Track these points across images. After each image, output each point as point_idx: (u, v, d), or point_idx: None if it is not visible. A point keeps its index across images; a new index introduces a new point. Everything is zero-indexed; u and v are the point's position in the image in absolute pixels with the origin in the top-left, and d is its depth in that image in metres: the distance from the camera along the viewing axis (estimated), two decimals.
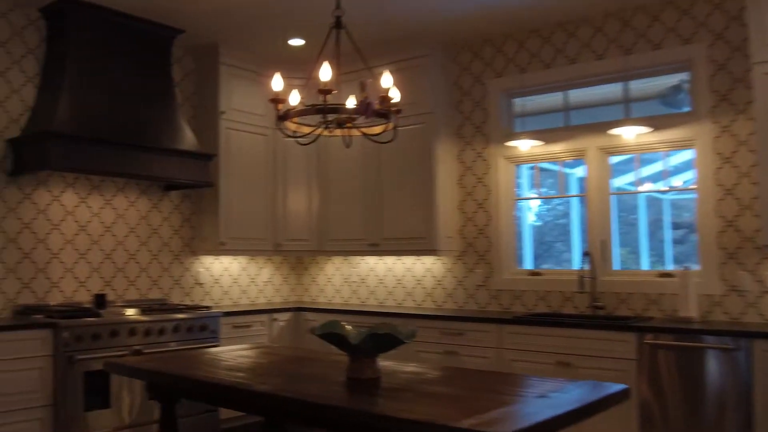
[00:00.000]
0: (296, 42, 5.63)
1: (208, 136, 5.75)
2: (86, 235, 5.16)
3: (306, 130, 3.23)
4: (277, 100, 3.10)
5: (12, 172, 4.76)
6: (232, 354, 3.53)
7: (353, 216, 5.94)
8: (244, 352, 3.60)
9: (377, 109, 3.04)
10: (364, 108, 2.94)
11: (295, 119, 3.26)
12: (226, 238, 5.72)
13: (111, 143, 4.74)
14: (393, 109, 3.16)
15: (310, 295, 6.69)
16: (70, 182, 5.09)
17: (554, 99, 5.41)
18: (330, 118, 3.12)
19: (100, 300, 4.93)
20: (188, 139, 5.32)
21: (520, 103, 5.55)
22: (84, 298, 5.08)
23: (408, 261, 5.97)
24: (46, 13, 4.95)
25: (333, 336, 2.76)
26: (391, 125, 3.23)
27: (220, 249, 5.70)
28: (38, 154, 4.54)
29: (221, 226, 5.69)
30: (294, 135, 3.25)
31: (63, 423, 4.25)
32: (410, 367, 3.08)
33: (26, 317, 4.53)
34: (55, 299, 4.94)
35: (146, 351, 4.62)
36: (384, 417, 2.18)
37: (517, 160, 5.46)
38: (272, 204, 6.09)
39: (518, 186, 5.55)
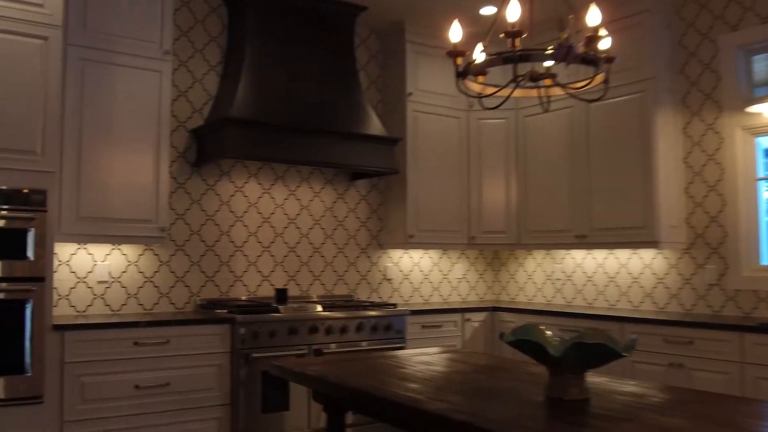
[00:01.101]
0: (488, 10, 5.04)
1: (395, 120, 5.34)
2: (270, 227, 4.95)
3: (493, 90, 2.63)
4: (456, 52, 2.53)
5: (195, 162, 4.65)
6: (413, 359, 3.03)
7: (557, 204, 5.21)
8: (428, 358, 3.08)
9: (581, 53, 2.37)
10: (564, 52, 2.28)
11: (480, 78, 2.68)
12: (414, 230, 5.27)
13: (291, 129, 4.46)
14: (602, 54, 2.46)
15: (508, 293, 6.05)
16: (253, 172, 4.90)
17: None
18: (521, 73, 2.49)
19: (281, 295, 4.68)
20: (372, 123, 4.92)
21: (763, 65, 4.51)
22: (268, 292, 4.86)
23: (622, 255, 5.14)
24: None
25: (527, 344, 2.15)
26: (600, 77, 2.54)
27: (408, 242, 5.26)
28: (217, 143, 4.37)
29: (409, 217, 5.25)
30: (479, 96, 2.67)
31: (241, 424, 4.00)
32: (629, 386, 2.38)
33: (208, 312, 4.36)
34: (238, 294, 4.77)
35: (326, 351, 4.27)
36: None
37: (761, 131, 4.44)
38: (466, 192, 5.54)
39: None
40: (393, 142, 4.97)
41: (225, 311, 4.23)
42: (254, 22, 4.66)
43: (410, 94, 5.29)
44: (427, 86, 5.36)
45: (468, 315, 5.17)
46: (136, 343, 3.78)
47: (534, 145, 5.41)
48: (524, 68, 2.51)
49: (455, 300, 5.87)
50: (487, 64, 2.49)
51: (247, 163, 4.86)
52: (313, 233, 5.15)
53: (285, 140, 4.45)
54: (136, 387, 3.75)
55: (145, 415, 3.77)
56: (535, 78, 2.54)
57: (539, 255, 5.78)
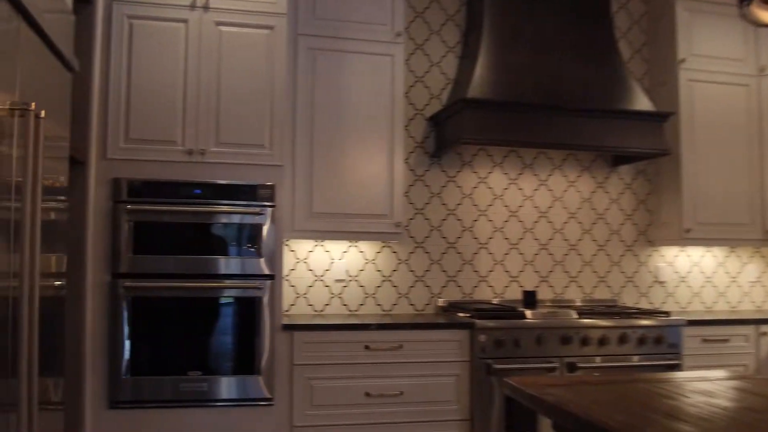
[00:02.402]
0: None
1: (665, 93, 4.52)
2: (517, 221, 4.43)
3: None
4: None
5: (434, 152, 4.29)
6: (688, 386, 2.34)
7: None
8: (708, 386, 2.36)
9: None
10: None
11: None
12: (692, 223, 4.40)
13: (537, 108, 3.91)
14: None
15: None
16: (497, 161, 4.43)
17: None
18: None
19: (530, 298, 4.13)
20: (637, 97, 4.18)
21: None
22: (516, 295, 4.35)
23: None
24: None
25: None
26: None
27: (685, 238, 4.41)
28: (454, 128, 3.96)
29: (685, 208, 4.40)
30: None
31: None
32: None
33: (449, 315, 3.97)
34: (483, 295, 4.32)
35: (581, 366, 3.65)
36: None
37: None
38: (759, 176, 4.53)
39: None
40: (663, 117, 4.18)
41: (466, 315, 3.81)
42: None
43: (683, 60, 4.43)
44: (705, 50, 4.46)
45: (764, 328, 4.18)
46: (366, 347, 3.50)
47: None
48: None
49: (747, 308, 4.85)
50: None
51: (490, 151, 4.40)
52: (569, 228, 4.53)
53: (531, 121, 3.91)
54: (367, 394, 3.48)
55: (376, 426, 3.48)
56: None
57: None
